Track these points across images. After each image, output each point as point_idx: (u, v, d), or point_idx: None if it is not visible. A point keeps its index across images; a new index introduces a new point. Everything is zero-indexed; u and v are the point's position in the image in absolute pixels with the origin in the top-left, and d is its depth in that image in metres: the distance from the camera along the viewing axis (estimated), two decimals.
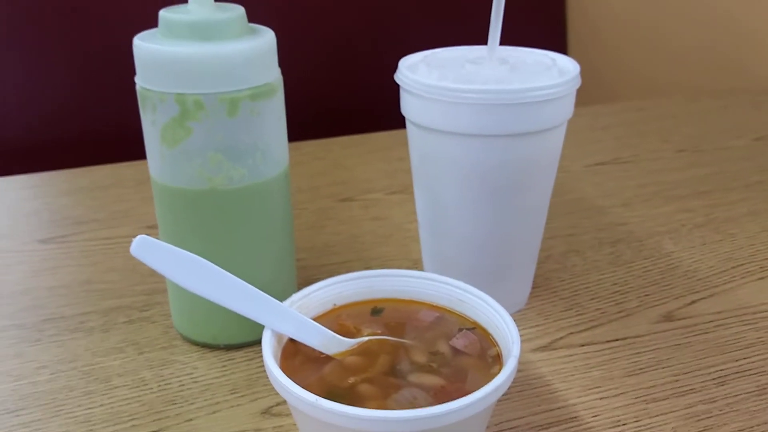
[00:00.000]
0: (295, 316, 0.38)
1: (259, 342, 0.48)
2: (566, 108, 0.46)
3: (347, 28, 1.15)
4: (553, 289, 0.54)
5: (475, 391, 0.33)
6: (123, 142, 0.90)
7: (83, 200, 0.71)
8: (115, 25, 0.96)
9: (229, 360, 0.46)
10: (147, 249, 0.35)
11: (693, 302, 0.52)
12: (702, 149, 0.82)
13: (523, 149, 0.45)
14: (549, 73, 0.46)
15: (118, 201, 0.71)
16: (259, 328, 0.47)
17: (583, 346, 0.47)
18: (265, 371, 0.45)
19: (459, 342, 0.39)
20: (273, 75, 0.43)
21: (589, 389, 0.43)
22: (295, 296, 0.40)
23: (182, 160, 0.42)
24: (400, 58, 0.48)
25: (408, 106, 0.46)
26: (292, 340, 0.39)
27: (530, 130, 0.44)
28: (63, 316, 0.52)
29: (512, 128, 0.44)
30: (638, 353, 0.46)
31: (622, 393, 0.43)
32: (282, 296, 0.39)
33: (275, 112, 0.44)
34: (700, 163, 0.78)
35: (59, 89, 1.06)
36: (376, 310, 0.42)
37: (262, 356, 0.46)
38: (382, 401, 0.35)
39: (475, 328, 0.40)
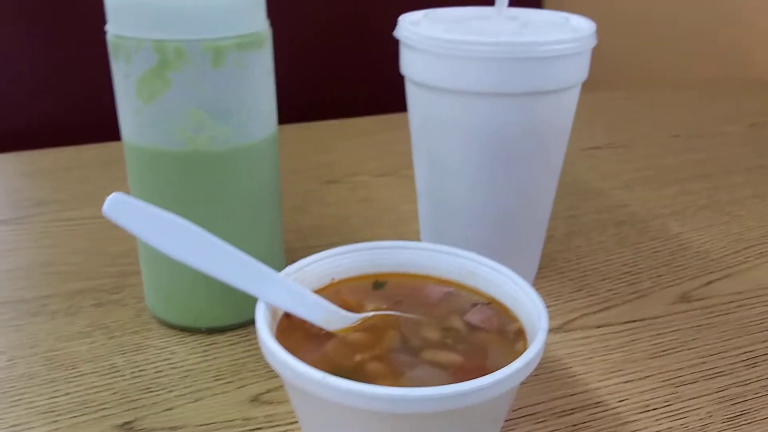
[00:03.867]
0: (294, 288, 0.33)
1: (243, 325, 0.43)
2: (582, 67, 0.42)
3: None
4: (559, 269, 0.50)
5: (498, 369, 0.28)
6: (87, 127, 0.85)
7: (43, 182, 0.66)
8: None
9: (211, 344, 0.42)
10: (122, 208, 0.30)
11: (709, 282, 0.49)
12: (697, 135, 0.80)
13: (535, 111, 0.41)
14: (563, 30, 0.42)
15: (82, 182, 0.65)
16: (245, 309, 0.43)
17: (599, 327, 0.44)
18: (251, 357, 0.41)
19: (474, 317, 0.35)
20: (262, 24, 0.39)
21: (611, 372, 0.40)
22: (290, 269, 0.36)
23: (160, 118, 0.38)
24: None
25: (409, 63, 0.42)
26: (287, 316, 0.34)
27: (543, 89, 0.40)
28: (22, 299, 0.46)
29: (525, 86, 0.40)
30: (659, 335, 0.43)
31: (647, 376, 0.39)
32: None
33: (264, 66, 0.39)
34: (697, 147, 0.75)
35: (19, 74, 0.99)
36: (378, 284, 0.38)
37: (246, 340, 0.42)
38: (394, 380, 0.30)
39: (490, 303, 0.36)
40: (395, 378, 0.31)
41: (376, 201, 0.62)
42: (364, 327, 0.34)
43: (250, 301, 0.40)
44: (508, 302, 0.35)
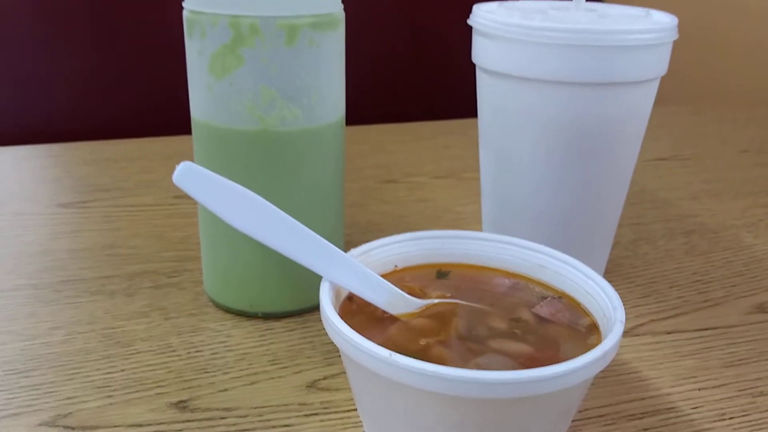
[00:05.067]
0: (360, 269, 0.32)
1: (299, 313, 0.43)
2: (662, 60, 0.40)
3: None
4: (626, 274, 0.48)
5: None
6: (150, 125, 0.86)
7: (107, 170, 0.67)
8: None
9: (267, 330, 0.41)
10: (192, 177, 0.30)
11: None
12: (766, 151, 0.77)
13: (611, 102, 0.40)
14: (643, 22, 0.41)
15: (145, 172, 0.66)
16: (301, 296, 0.42)
17: (669, 333, 0.42)
18: (308, 344, 0.40)
19: (544, 310, 0.33)
20: (336, 6, 0.39)
21: (684, 378, 0.38)
22: (354, 251, 0.35)
23: (231, 95, 0.37)
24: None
25: (483, 51, 0.41)
26: (349, 299, 0.33)
27: (621, 79, 0.39)
28: (83, 278, 0.46)
29: (603, 76, 0.38)
30: (734, 344, 0.41)
31: (722, 384, 0.37)
32: None
33: (336, 49, 0.39)
34: (767, 163, 0.73)
35: (79, 77, 1.00)
36: (441, 274, 0.36)
37: (303, 327, 0.41)
38: (461, 366, 0.29)
39: (561, 297, 0.34)
40: (461, 363, 0.29)
41: (434, 201, 0.61)
42: (428, 313, 0.33)
43: (306, 289, 0.40)
44: (580, 297, 0.34)
